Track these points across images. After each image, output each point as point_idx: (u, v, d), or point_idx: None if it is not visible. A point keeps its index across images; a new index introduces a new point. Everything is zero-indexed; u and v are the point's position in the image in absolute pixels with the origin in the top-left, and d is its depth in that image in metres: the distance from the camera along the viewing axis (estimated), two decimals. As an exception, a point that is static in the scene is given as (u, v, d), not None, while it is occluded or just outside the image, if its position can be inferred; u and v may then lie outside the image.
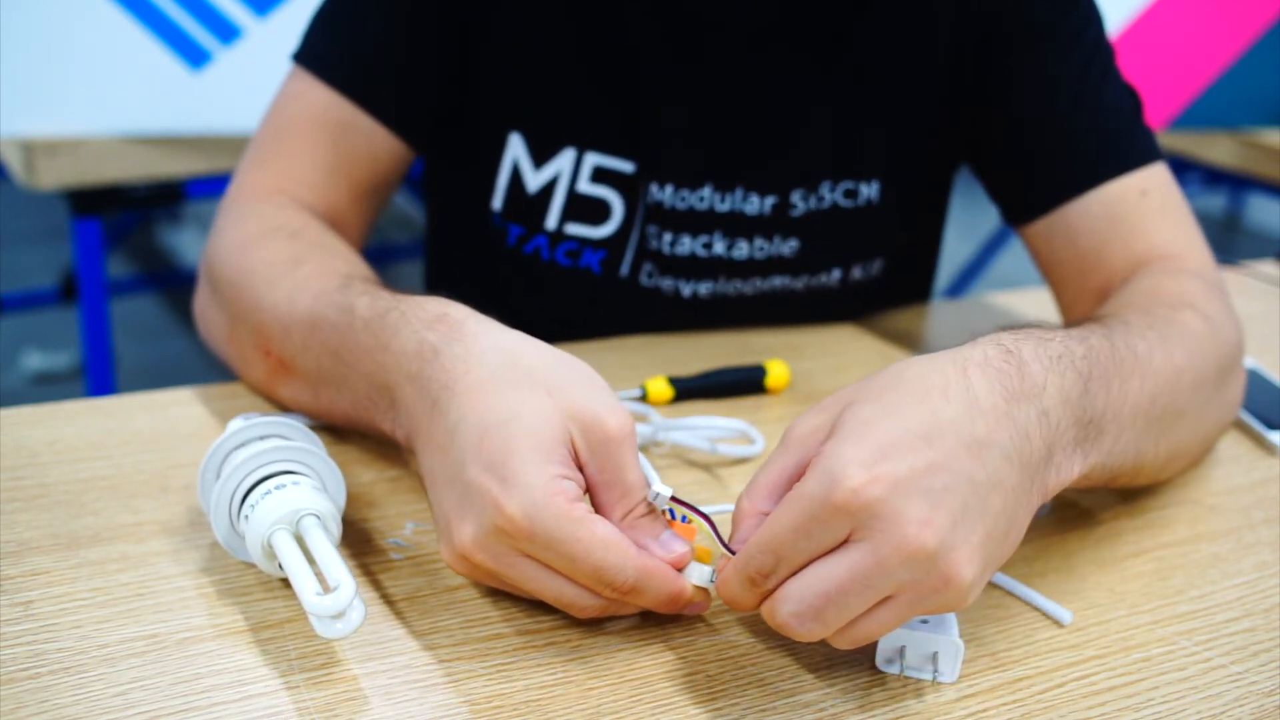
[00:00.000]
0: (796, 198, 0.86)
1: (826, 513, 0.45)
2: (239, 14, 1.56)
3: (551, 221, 0.86)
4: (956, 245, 3.35)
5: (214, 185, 1.64)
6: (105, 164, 1.53)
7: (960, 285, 2.85)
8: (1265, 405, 0.79)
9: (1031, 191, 0.84)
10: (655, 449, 0.68)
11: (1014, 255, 2.74)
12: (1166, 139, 2.14)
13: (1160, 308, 0.69)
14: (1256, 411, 0.78)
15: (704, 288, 0.88)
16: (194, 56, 1.56)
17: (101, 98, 1.52)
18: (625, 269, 0.88)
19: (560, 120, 0.85)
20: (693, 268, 0.88)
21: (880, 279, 0.94)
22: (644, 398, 0.74)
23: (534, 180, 0.86)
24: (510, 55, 0.84)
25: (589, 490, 0.52)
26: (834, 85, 0.85)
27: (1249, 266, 1.11)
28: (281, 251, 0.72)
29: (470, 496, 0.49)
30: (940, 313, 0.97)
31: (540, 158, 0.85)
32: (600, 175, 0.85)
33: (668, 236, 0.86)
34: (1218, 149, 2.14)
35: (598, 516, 0.50)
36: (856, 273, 0.91)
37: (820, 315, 0.92)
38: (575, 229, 0.87)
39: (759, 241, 0.87)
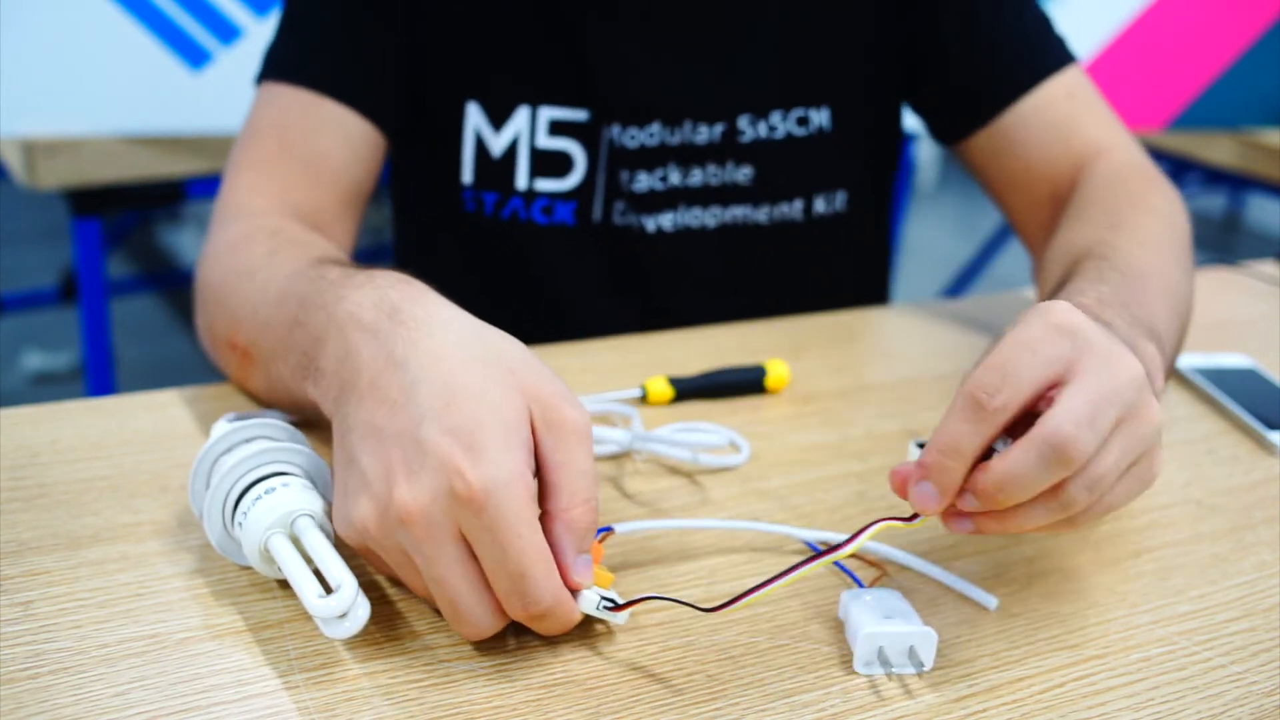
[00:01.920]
0: (744, 123, 0.89)
1: (1048, 330, 0.49)
2: (239, 14, 1.56)
3: (521, 181, 0.89)
4: (956, 245, 3.35)
5: (214, 185, 1.63)
6: (105, 164, 1.53)
7: (960, 285, 2.85)
8: (1265, 405, 0.79)
9: (969, 105, 0.90)
10: (636, 456, 0.68)
11: (1014, 255, 2.74)
12: (1166, 139, 2.14)
13: (1122, 216, 0.76)
14: (1256, 411, 0.78)
15: (666, 220, 0.91)
16: (194, 56, 1.56)
17: (101, 98, 1.52)
18: (598, 214, 0.91)
19: (510, 80, 0.87)
20: (653, 201, 0.90)
21: (845, 216, 0.96)
22: (644, 398, 0.74)
23: (496, 144, 0.88)
24: (456, 25, 0.86)
25: (539, 471, 0.50)
26: (774, 8, 0.88)
27: (1249, 266, 1.11)
28: (260, 247, 0.71)
29: (425, 456, 0.46)
30: (941, 313, 0.97)
31: (498, 120, 0.88)
32: (557, 128, 0.88)
33: (624, 175, 0.89)
34: (1218, 149, 2.14)
35: (541, 532, 0.48)
36: (819, 205, 0.94)
37: (787, 252, 0.95)
38: (544, 184, 0.89)
39: (711, 168, 0.90)
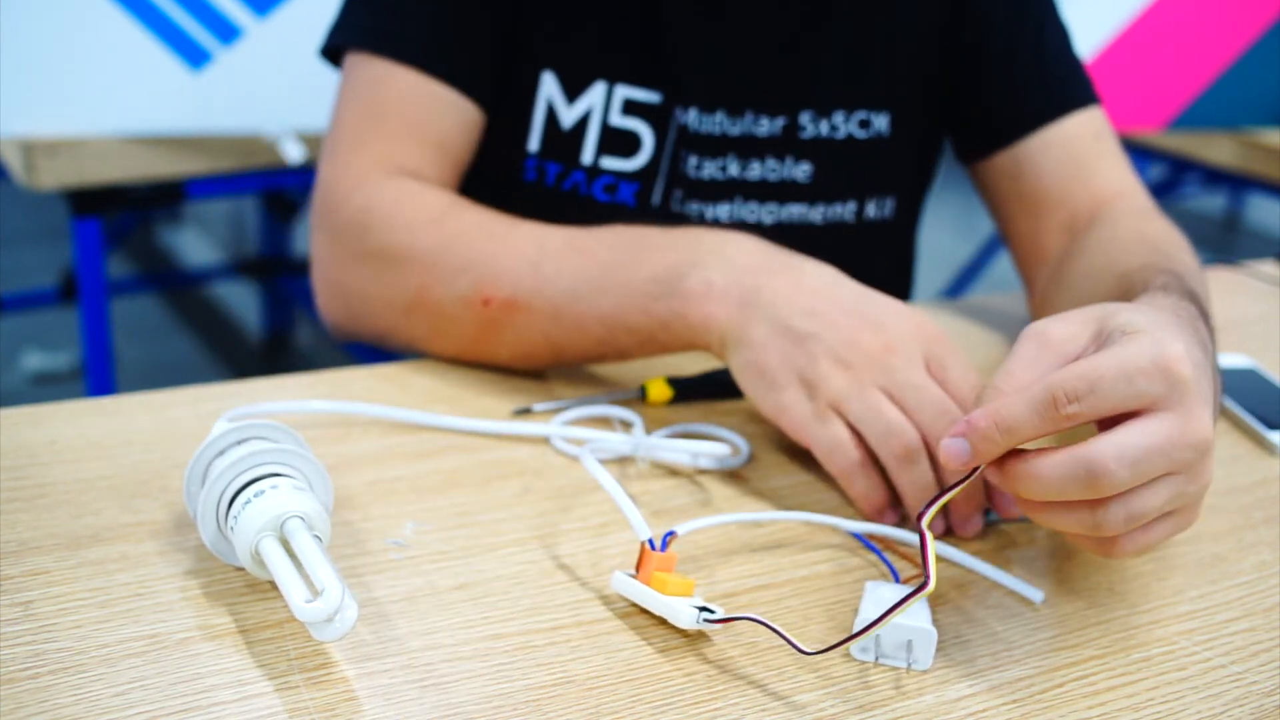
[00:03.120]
0: (805, 119, 0.90)
1: (1154, 369, 0.48)
2: (239, 14, 1.56)
3: (587, 156, 0.88)
4: (956, 245, 3.35)
5: (214, 185, 1.64)
6: (105, 164, 1.53)
7: (960, 285, 2.85)
8: (1265, 405, 0.79)
9: (997, 123, 0.91)
10: (639, 462, 0.68)
11: (1014, 255, 2.74)
12: (1166, 139, 2.14)
13: (1168, 252, 0.76)
14: (1256, 411, 0.78)
15: (723, 211, 0.91)
16: (194, 56, 1.56)
17: (101, 98, 1.52)
18: (657, 198, 0.91)
19: (590, 54, 0.87)
20: (712, 191, 0.90)
21: (891, 222, 0.97)
22: (644, 398, 0.74)
23: (568, 116, 0.88)
24: None
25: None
26: (836, 8, 0.89)
27: (1249, 266, 1.11)
28: (486, 215, 0.77)
29: (887, 312, 0.64)
30: (940, 313, 0.97)
31: (573, 92, 0.88)
32: (630, 107, 0.88)
33: (693, 160, 0.89)
34: (1218, 149, 2.14)
35: None
36: (871, 210, 0.94)
37: (838, 253, 0.94)
38: (610, 163, 0.89)
39: (770, 162, 0.90)
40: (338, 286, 0.81)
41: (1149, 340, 0.50)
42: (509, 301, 0.72)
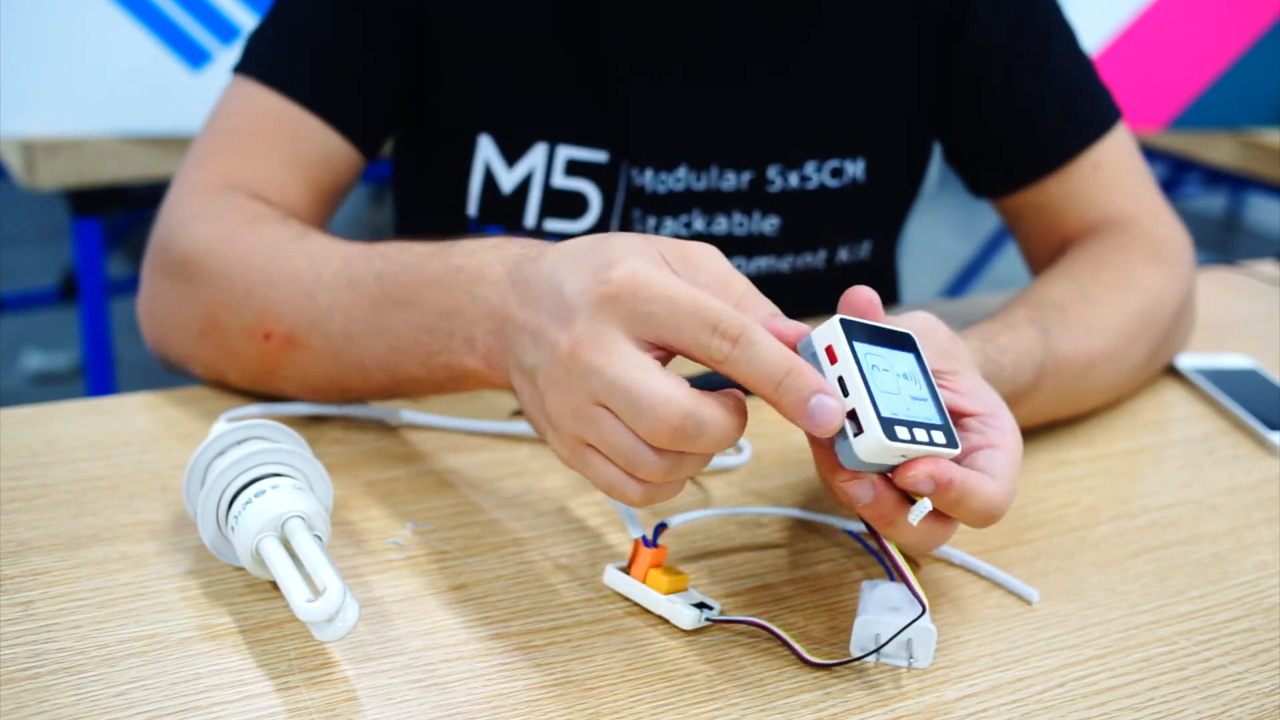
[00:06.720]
0: (773, 173, 0.87)
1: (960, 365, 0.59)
2: (239, 14, 1.56)
3: (529, 219, 0.86)
4: (956, 245, 3.35)
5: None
6: (105, 164, 1.53)
7: (960, 285, 2.85)
8: (1265, 405, 0.79)
9: (996, 174, 0.91)
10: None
11: (1014, 255, 2.74)
12: (1166, 139, 2.14)
13: (1099, 289, 0.78)
14: (1256, 411, 0.78)
15: None
16: (194, 56, 1.56)
17: (101, 98, 1.52)
18: None
19: (529, 117, 0.85)
20: None
21: (867, 263, 0.95)
22: (644, 398, 0.74)
23: (508, 180, 0.86)
24: (473, 54, 0.84)
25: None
26: (805, 58, 0.86)
27: (1249, 266, 1.11)
28: (279, 232, 0.70)
29: (570, 298, 0.49)
30: (942, 312, 0.96)
31: (512, 156, 0.85)
32: (574, 168, 0.85)
33: (651, 220, 0.87)
34: (1218, 149, 2.14)
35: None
36: (843, 255, 0.93)
37: (809, 300, 0.93)
38: (555, 225, 0.87)
39: (738, 217, 0.88)
40: (145, 303, 0.76)
41: (1013, 463, 0.53)
42: (288, 338, 0.67)
